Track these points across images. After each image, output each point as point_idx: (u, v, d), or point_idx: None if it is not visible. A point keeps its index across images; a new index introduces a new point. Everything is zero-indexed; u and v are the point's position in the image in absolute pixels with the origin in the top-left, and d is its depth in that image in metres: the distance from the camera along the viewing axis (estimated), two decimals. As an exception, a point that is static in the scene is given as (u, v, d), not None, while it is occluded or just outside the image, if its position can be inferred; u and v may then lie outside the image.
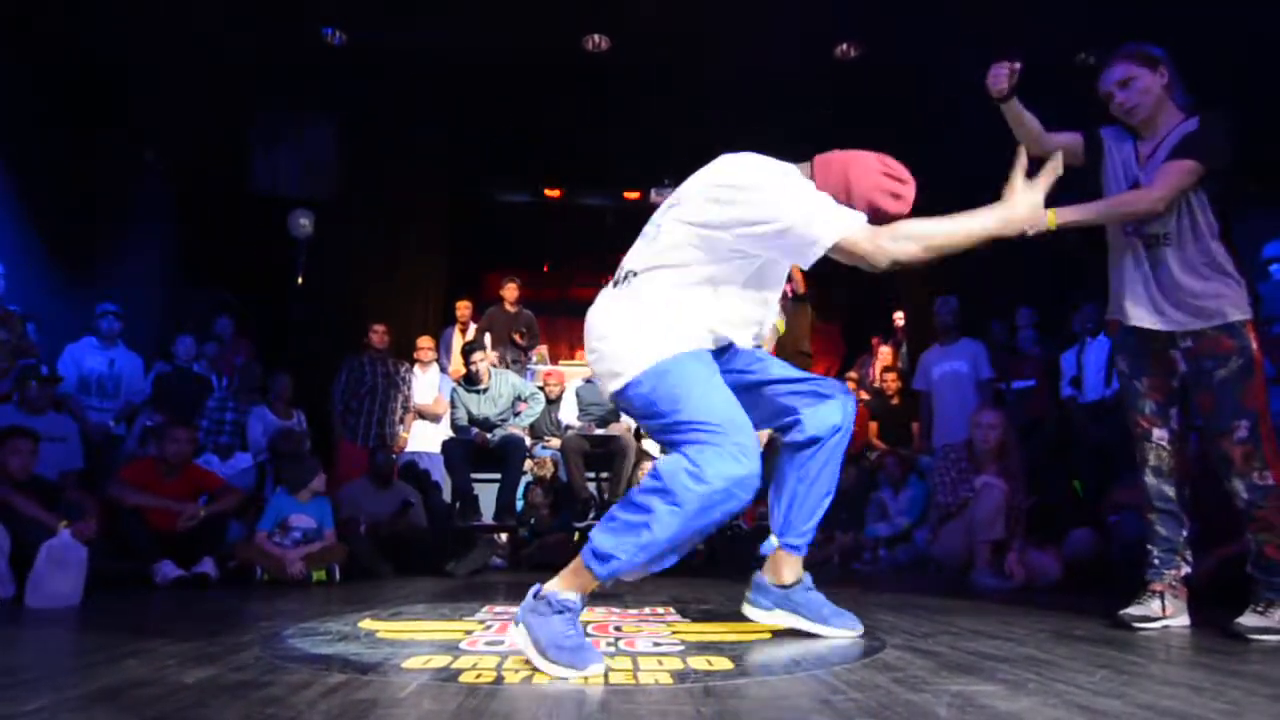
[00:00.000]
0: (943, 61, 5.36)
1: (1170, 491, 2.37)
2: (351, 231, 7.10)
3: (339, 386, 5.70)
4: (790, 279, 6.76)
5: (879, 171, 1.90)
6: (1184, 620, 2.31)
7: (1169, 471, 2.37)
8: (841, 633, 2.01)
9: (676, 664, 1.64)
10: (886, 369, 6.42)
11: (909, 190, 1.91)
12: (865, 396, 6.39)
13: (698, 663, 1.66)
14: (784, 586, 2.04)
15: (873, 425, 6.07)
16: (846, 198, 1.85)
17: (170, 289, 6.54)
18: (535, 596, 1.67)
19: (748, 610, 2.08)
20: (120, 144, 6.21)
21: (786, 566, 2.05)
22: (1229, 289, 2.24)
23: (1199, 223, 2.27)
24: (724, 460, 1.61)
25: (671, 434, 1.74)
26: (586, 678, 1.52)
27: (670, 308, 1.84)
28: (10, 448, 3.50)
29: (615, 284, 1.93)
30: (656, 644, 1.89)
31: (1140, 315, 2.34)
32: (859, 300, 8.54)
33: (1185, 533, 2.37)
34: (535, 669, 1.57)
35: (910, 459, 5.46)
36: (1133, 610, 2.30)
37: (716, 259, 1.83)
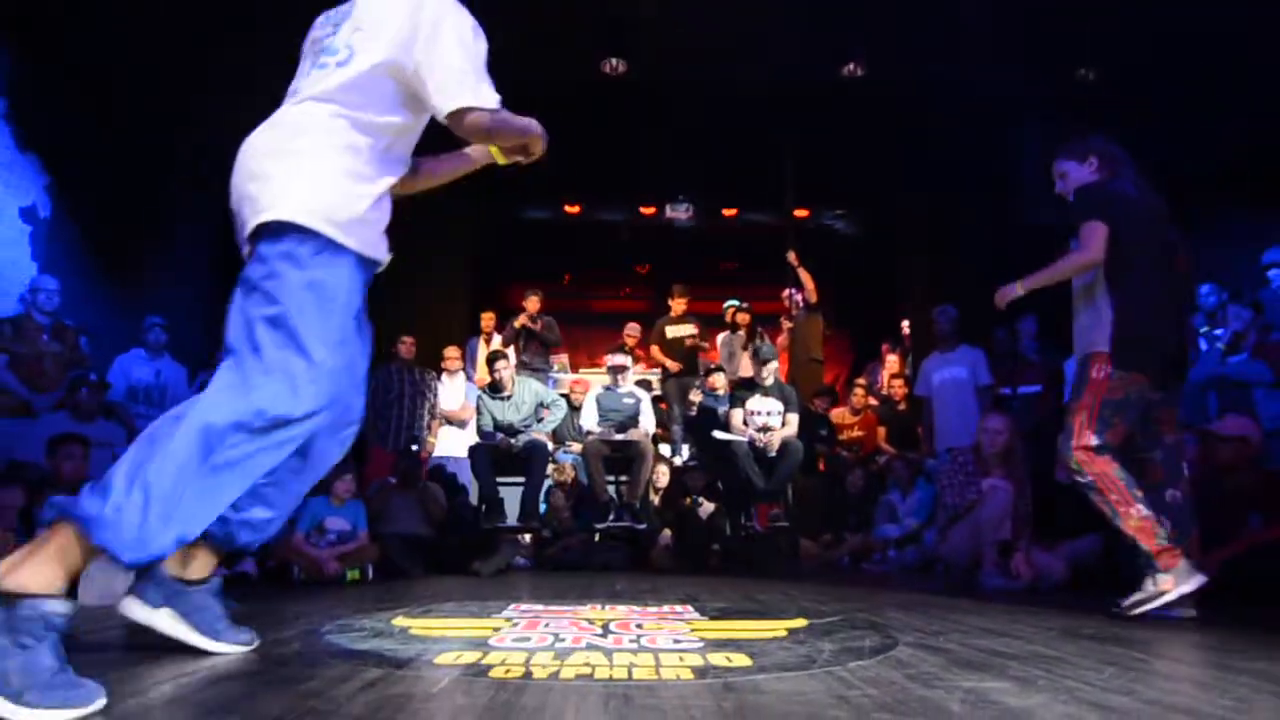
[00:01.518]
0: (947, 79, 5.44)
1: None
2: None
3: (369, 395, 5.79)
4: (803, 288, 6.84)
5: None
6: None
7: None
8: (228, 647, 1.74)
9: (697, 660, 1.68)
10: (894, 376, 6.47)
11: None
12: (874, 403, 6.44)
13: (717, 659, 1.69)
14: (186, 582, 1.73)
15: (881, 430, 6.12)
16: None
17: (213, 302, 6.63)
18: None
19: (128, 606, 1.70)
20: (168, 162, 6.33)
21: (197, 559, 1.75)
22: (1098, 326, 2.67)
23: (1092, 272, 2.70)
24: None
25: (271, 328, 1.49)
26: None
27: (351, 158, 1.59)
28: (64, 454, 3.64)
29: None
30: (677, 641, 1.93)
31: None
32: (869, 309, 8.61)
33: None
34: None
35: (918, 463, 5.51)
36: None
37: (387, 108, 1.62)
